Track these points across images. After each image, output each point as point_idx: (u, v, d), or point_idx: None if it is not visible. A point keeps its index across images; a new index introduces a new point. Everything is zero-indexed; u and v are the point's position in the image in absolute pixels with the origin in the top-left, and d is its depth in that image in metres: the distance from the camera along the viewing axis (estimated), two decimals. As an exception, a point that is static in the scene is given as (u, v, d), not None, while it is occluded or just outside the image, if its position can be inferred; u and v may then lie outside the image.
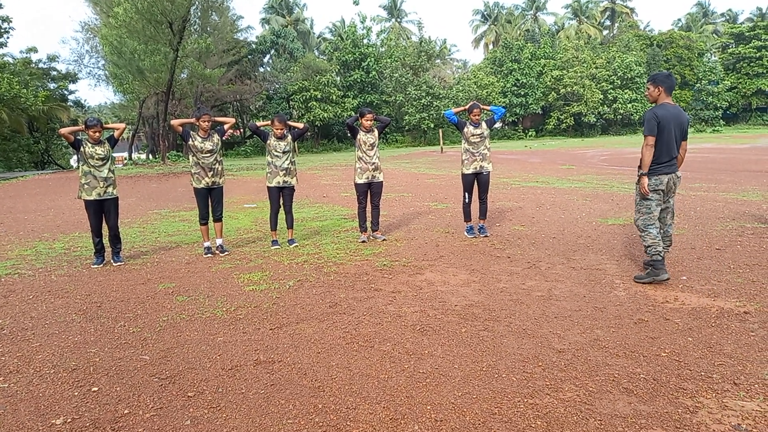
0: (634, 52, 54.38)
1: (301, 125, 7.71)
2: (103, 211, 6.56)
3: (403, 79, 48.71)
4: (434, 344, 3.91)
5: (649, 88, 5.23)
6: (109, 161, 6.60)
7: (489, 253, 6.59)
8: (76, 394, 3.31)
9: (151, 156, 45.00)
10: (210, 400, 3.20)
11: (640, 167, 5.12)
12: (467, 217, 7.64)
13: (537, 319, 4.33)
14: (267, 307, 4.86)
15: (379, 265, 6.18)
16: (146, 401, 3.20)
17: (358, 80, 48.28)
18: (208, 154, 6.83)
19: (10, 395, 3.30)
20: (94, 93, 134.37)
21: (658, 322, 4.17)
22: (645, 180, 5.08)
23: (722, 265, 5.67)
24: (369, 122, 7.45)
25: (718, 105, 54.38)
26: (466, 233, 7.62)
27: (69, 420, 3.01)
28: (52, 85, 40.06)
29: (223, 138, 7.18)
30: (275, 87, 48.90)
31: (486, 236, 7.51)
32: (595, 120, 53.13)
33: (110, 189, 6.59)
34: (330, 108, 46.24)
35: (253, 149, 46.96)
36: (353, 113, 47.23)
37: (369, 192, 7.53)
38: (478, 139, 7.42)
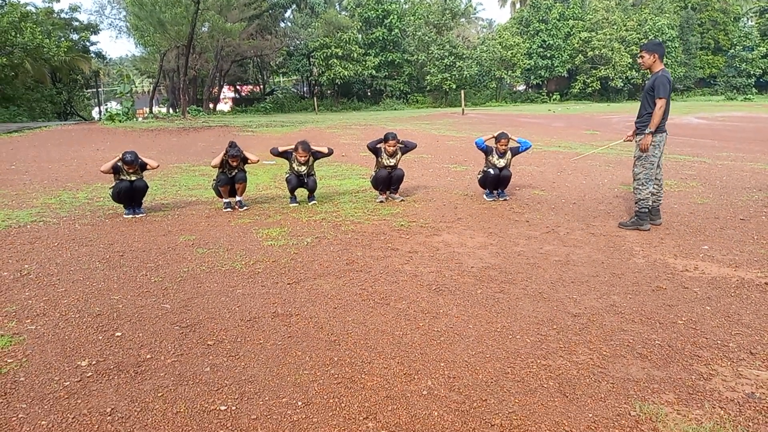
0: (667, 15, 52.32)
1: (325, 150, 7.40)
2: (133, 190, 6.85)
3: (426, 37, 47.63)
4: (449, 304, 3.94)
5: (644, 56, 5.68)
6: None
7: (507, 217, 6.55)
8: (100, 338, 3.42)
9: (171, 110, 45.07)
10: (229, 348, 3.29)
11: (639, 126, 5.71)
12: (484, 186, 7.59)
13: (553, 284, 4.32)
14: (285, 262, 4.92)
15: (397, 225, 6.19)
16: (168, 347, 3.30)
17: (380, 38, 47.32)
18: (304, 168, 7.20)
19: (38, 337, 3.42)
20: (115, 45, 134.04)
21: (676, 290, 4.15)
22: (650, 138, 5.55)
23: (745, 236, 5.58)
24: (392, 148, 7.24)
25: (752, 72, 52.40)
26: (485, 197, 7.54)
27: (94, 362, 3.12)
28: (74, 36, 39.92)
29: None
30: (296, 43, 48.21)
31: (505, 200, 7.42)
32: (622, 85, 51.64)
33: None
34: (351, 66, 45.56)
35: (272, 106, 46.75)
36: (374, 72, 46.67)
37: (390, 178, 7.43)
38: (500, 167, 7.33)
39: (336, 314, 3.78)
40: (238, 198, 7.19)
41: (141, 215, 6.80)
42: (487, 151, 7.28)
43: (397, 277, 4.51)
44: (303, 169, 7.20)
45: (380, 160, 7.30)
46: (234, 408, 2.68)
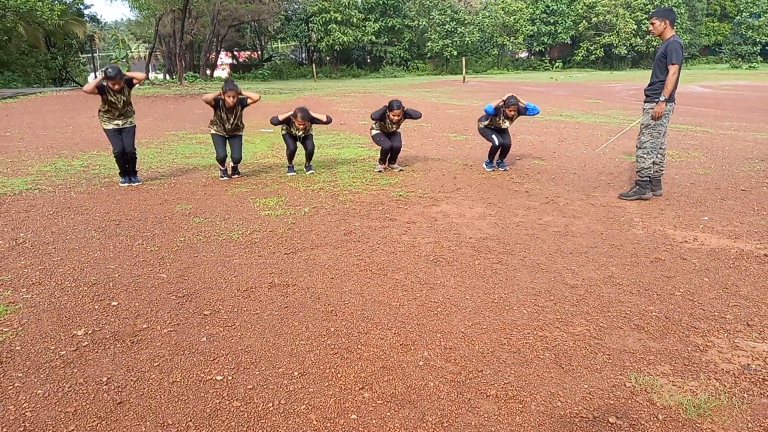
0: (673, -20, 51.12)
1: (323, 118, 7.19)
2: (122, 136, 6.64)
3: (428, 2, 46.63)
4: (447, 275, 3.92)
5: (654, 23, 5.52)
6: (130, 105, 6.63)
7: (507, 187, 6.50)
8: (96, 307, 3.42)
9: (168, 76, 44.45)
10: (225, 318, 3.28)
11: (650, 94, 5.59)
12: (491, 156, 7.39)
13: (551, 255, 4.31)
14: (282, 231, 4.89)
15: (395, 195, 6.15)
16: (164, 317, 3.29)
17: (380, 2, 46.29)
18: (230, 126, 6.86)
19: (34, 306, 3.42)
20: (110, 8, 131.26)
21: (674, 262, 4.13)
22: (663, 106, 5.47)
23: (746, 207, 5.54)
24: (396, 117, 7.10)
25: (758, 40, 51.50)
26: (485, 166, 7.47)
27: (90, 331, 3.11)
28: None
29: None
30: (294, 7, 47.22)
31: (505, 170, 7.36)
32: (626, 52, 50.76)
33: (129, 120, 6.68)
34: (350, 31, 44.72)
35: (270, 73, 46.07)
36: (374, 38, 45.83)
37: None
38: (504, 128, 7.22)
39: (333, 285, 3.77)
40: (232, 165, 7.11)
41: (137, 183, 6.74)
42: (494, 114, 7.08)
43: (394, 247, 4.49)
44: (300, 134, 7.16)
45: (384, 123, 7.23)
46: (230, 378, 2.68)
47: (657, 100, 5.49)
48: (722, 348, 2.94)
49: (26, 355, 2.87)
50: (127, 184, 6.66)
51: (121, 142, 6.57)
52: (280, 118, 7.04)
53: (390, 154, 7.41)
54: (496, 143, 7.15)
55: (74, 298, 3.53)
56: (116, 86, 6.30)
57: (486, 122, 7.21)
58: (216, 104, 6.66)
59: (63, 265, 4.08)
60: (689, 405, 2.45)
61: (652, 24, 5.55)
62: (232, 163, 7.10)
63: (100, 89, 6.35)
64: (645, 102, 5.74)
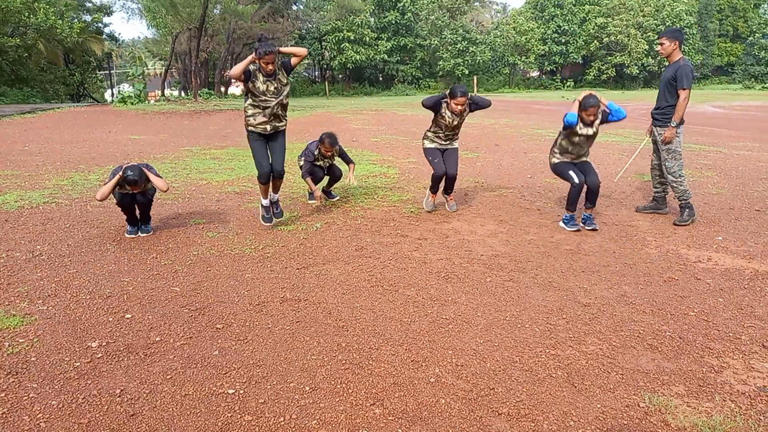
0: (685, 0, 51.29)
1: (349, 160, 6.37)
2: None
3: (439, 21, 47.10)
4: (458, 291, 3.92)
5: (663, 43, 5.51)
6: (282, 95, 5.09)
7: (518, 205, 6.50)
8: (110, 319, 3.45)
9: (183, 93, 45.12)
10: (238, 332, 3.30)
11: (660, 117, 5.61)
12: (572, 204, 5.48)
13: (564, 273, 4.29)
14: (294, 247, 4.92)
15: (407, 211, 6.17)
16: (177, 330, 3.32)
17: (393, 22, 46.84)
18: (272, 97, 5.07)
19: (49, 317, 3.46)
20: (127, 27, 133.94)
21: (688, 281, 4.10)
22: (674, 131, 5.48)
23: (761, 227, 5.49)
24: (459, 108, 5.56)
25: (771, 61, 51.36)
26: (562, 225, 5.52)
27: (104, 343, 3.14)
28: (86, 17, 39.93)
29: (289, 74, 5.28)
30: (308, 26, 47.85)
31: (595, 229, 5.41)
32: (637, 72, 50.82)
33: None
34: (363, 50, 45.20)
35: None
36: (386, 57, 46.27)
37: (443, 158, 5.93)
38: (584, 140, 5.43)
39: (344, 300, 3.78)
40: (275, 197, 5.59)
41: (147, 233, 5.27)
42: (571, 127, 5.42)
43: (406, 263, 4.50)
44: (326, 162, 6.30)
45: (440, 119, 5.72)
46: (242, 392, 2.69)
47: (668, 125, 5.49)
48: (737, 369, 2.90)
49: (41, 366, 2.90)
50: (133, 235, 5.21)
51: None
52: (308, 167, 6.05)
53: (445, 182, 5.95)
54: (576, 181, 5.36)
55: (89, 311, 3.57)
56: (136, 191, 4.97)
57: (558, 150, 5.58)
58: (247, 78, 4.94)
59: (78, 278, 4.13)
60: (704, 426, 2.42)
61: (662, 44, 5.53)
62: (272, 192, 5.50)
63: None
64: (656, 126, 5.70)
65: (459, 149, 6.14)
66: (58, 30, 29.95)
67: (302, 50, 5.14)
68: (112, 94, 46.82)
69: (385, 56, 46.74)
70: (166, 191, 5.16)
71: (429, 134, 5.97)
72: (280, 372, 2.87)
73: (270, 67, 4.91)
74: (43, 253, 4.69)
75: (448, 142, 5.93)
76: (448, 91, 5.62)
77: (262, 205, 5.44)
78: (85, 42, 35.77)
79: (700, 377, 2.83)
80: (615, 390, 2.72)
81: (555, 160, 5.61)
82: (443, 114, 5.66)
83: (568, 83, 53.10)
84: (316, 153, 6.08)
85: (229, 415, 2.52)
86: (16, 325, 3.33)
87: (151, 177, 5.00)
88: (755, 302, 3.73)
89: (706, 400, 2.63)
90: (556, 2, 51.97)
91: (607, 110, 5.38)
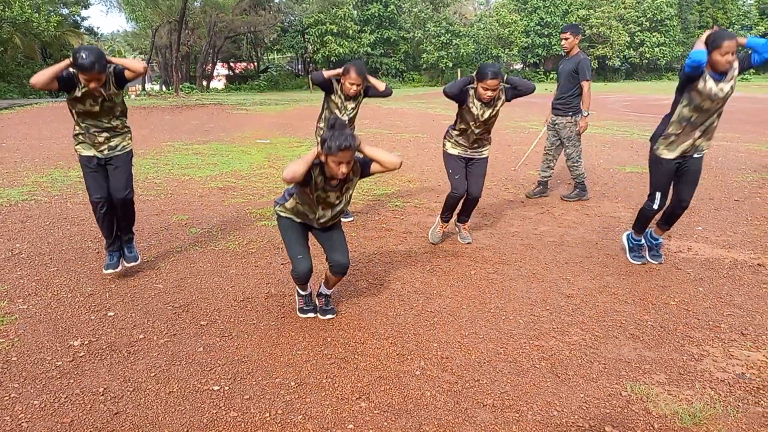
0: (666, -7, 51.72)
1: (382, 86, 5.07)
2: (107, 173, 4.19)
3: (423, 14, 47.01)
4: (443, 285, 3.94)
5: (569, 38, 6.04)
6: (119, 115, 4.15)
7: (502, 197, 6.53)
8: (92, 318, 3.41)
9: (164, 87, 44.54)
10: (222, 329, 3.28)
11: (561, 107, 6.23)
12: (642, 226, 4.29)
13: (547, 264, 4.33)
14: (279, 242, 4.88)
15: (392, 205, 6.17)
16: (160, 327, 3.29)
17: (376, 14, 46.62)
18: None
19: (30, 316, 3.41)
20: (106, 20, 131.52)
21: (669, 271, 4.16)
22: (587, 119, 6.20)
23: (739, 217, 5.59)
24: (492, 92, 4.18)
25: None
26: (629, 256, 4.37)
27: (86, 342, 3.11)
28: (64, 11, 39.16)
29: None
30: (290, 19, 47.46)
31: (660, 263, 4.31)
32: (619, 64, 51.26)
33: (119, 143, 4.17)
34: (346, 43, 44.97)
35: (266, 84, 46.21)
36: (369, 50, 46.09)
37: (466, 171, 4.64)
38: (720, 103, 3.75)
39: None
40: (326, 292, 3.50)
41: (133, 263, 4.07)
42: (694, 75, 3.62)
43: (391, 257, 4.51)
44: (349, 107, 5.00)
45: (465, 112, 4.37)
46: (227, 388, 2.68)
47: (570, 114, 6.06)
48: (717, 357, 2.96)
49: (22, 365, 2.86)
50: (112, 271, 3.95)
51: (105, 184, 3.96)
52: (326, 73, 5.01)
53: (463, 205, 4.76)
54: (656, 204, 4.13)
55: (70, 309, 3.52)
56: (92, 83, 3.48)
57: (664, 141, 3.94)
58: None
59: (59, 276, 4.07)
60: (685, 414, 2.47)
61: (566, 39, 6.02)
62: (325, 291, 3.54)
63: (65, 82, 3.52)
64: (556, 115, 6.18)
65: (488, 160, 4.69)
66: (34, 24, 29.35)
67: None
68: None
69: (369, 49, 46.53)
70: (144, 72, 3.80)
71: (453, 133, 4.56)
72: (265, 368, 2.86)
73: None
74: (23, 251, 4.61)
75: (476, 147, 4.52)
76: (475, 74, 4.26)
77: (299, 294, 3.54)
78: (62, 36, 35.09)
79: (680, 365, 2.87)
80: (598, 379, 2.76)
81: (664, 155, 3.99)
82: (469, 105, 4.29)
83: (552, 75, 53.35)
84: (335, 98, 5.06)
85: (215, 411, 2.51)
86: (-5, 325, 3.28)
87: (118, 60, 3.70)
88: (734, 291, 3.80)
89: (687, 387, 2.68)
90: (539, -6, 52.07)
91: (747, 48, 3.65)
